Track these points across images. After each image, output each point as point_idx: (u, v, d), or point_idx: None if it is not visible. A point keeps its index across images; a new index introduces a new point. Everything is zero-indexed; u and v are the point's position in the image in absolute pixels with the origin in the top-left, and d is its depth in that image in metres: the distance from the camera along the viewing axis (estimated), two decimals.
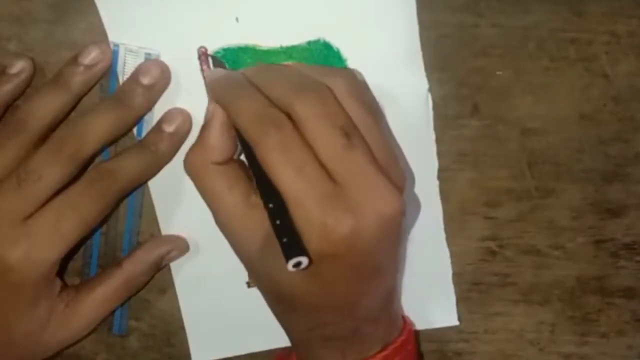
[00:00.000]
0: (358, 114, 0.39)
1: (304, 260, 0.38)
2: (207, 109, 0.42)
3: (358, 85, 0.41)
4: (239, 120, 0.39)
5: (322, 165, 0.38)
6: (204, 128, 0.42)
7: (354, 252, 0.39)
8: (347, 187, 0.38)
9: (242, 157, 0.43)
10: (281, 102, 0.39)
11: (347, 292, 0.41)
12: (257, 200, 0.41)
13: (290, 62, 0.45)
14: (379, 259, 0.41)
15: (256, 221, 0.41)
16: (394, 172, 0.40)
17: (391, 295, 0.45)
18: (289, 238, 0.38)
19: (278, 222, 0.38)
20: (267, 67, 0.43)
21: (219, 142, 0.42)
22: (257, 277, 0.44)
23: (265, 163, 0.38)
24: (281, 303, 0.43)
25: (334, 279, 0.40)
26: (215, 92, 0.42)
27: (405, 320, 0.47)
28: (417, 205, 0.48)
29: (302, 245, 0.38)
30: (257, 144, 0.38)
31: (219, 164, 0.42)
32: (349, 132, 0.38)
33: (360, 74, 0.45)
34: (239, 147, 0.43)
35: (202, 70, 0.46)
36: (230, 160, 0.42)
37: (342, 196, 0.38)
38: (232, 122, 0.41)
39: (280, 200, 0.38)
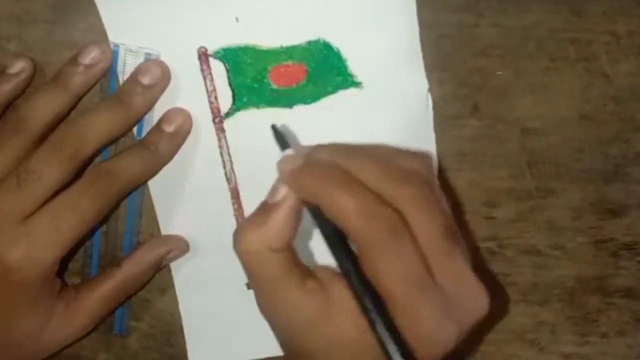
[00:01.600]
0: (444, 201, 0.38)
1: None
2: (276, 190, 0.38)
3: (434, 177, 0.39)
4: (343, 218, 0.36)
5: (431, 272, 0.36)
6: (269, 210, 0.38)
7: (447, 354, 0.37)
8: (450, 292, 0.36)
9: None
10: (382, 194, 0.36)
11: None
12: (313, 285, 0.37)
13: (373, 144, 0.41)
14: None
15: (313, 310, 0.37)
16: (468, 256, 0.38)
17: None
18: (401, 352, 0.35)
19: (388, 331, 0.35)
20: (353, 149, 0.39)
21: (283, 231, 0.37)
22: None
23: (379, 272, 0.35)
24: None
25: None
26: (304, 183, 0.37)
27: None
28: None
29: (408, 348, 0.35)
30: (370, 248, 0.35)
31: (277, 251, 0.37)
32: (453, 230, 0.37)
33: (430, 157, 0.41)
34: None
35: (202, 70, 0.46)
36: (288, 248, 0.38)
37: (448, 304, 0.36)
38: (330, 218, 0.37)
39: (379, 303, 0.36)
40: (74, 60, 0.44)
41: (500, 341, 0.51)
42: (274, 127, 0.41)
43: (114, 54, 0.45)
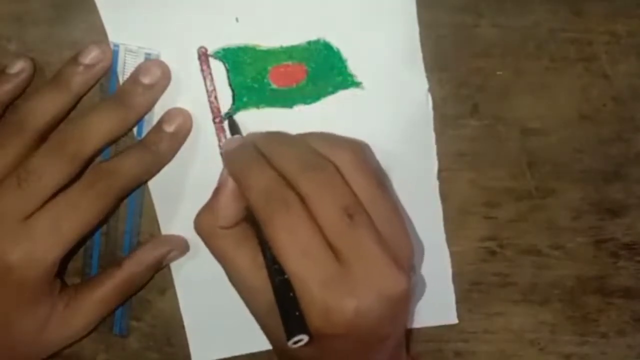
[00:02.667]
0: (364, 188, 0.40)
1: (304, 338, 0.38)
2: (222, 174, 0.43)
3: (364, 158, 0.42)
4: (249, 196, 0.40)
5: (328, 245, 0.39)
6: (216, 193, 0.43)
7: (357, 331, 0.39)
8: (350, 267, 0.38)
9: None
10: (289, 178, 0.40)
11: (354, 358, 0.41)
12: (262, 261, 0.42)
13: (304, 133, 0.44)
14: (385, 330, 0.41)
15: (263, 282, 0.41)
16: (401, 246, 0.41)
17: (399, 348, 0.45)
18: (290, 316, 0.39)
19: (281, 298, 0.39)
20: (277, 137, 0.44)
21: (228, 210, 0.42)
22: (266, 333, 0.44)
23: (273, 242, 0.39)
24: (285, 358, 0.44)
25: (338, 352, 0.40)
26: (229, 164, 0.43)
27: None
28: (417, 205, 0.48)
29: (304, 323, 0.38)
30: (265, 222, 0.39)
31: (227, 228, 0.43)
32: (353, 211, 0.39)
33: (367, 145, 0.46)
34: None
35: (202, 70, 0.46)
36: (239, 223, 0.43)
37: (346, 277, 0.38)
38: (243, 192, 0.41)
39: (284, 275, 0.39)
40: (74, 60, 0.44)
41: (500, 341, 0.51)
42: (230, 118, 0.46)
43: (114, 54, 0.45)
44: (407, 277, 0.40)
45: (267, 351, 0.49)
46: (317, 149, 0.41)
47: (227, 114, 0.46)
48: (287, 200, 0.39)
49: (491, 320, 0.50)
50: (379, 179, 0.42)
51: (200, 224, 0.43)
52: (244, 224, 0.43)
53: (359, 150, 0.42)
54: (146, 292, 0.49)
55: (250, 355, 0.50)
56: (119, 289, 0.46)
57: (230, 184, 0.42)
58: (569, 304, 0.50)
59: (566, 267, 0.50)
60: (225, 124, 0.46)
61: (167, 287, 0.49)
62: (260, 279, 0.41)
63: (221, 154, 0.46)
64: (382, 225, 0.40)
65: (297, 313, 0.39)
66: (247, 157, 0.42)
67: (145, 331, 0.50)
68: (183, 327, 0.49)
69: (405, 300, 0.40)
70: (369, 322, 0.39)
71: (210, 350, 0.50)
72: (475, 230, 0.49)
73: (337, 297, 0.38)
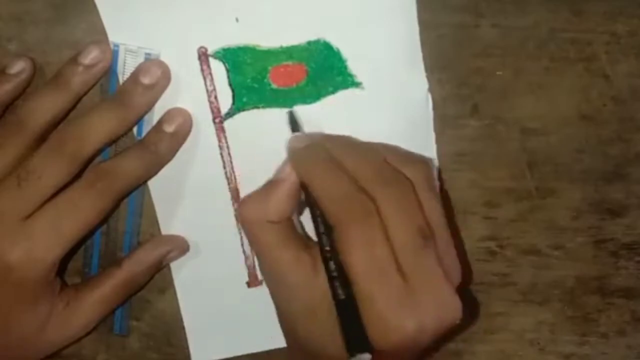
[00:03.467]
0: (432, 209, 0.40)
1: (367, 357, 0.38)
2: (281, 168, 0.42)
3: (434, 177, 0.42)
4: (324, 200, 0.40)
5: (397, 263, 0.38)
6: (272, 186, 0.42)
7: (408, 351, 0.39)
8: (415, 288, 0.38)
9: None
10: (367, 189, 0.39)
11: None
12: (306, 258, 0.41)
13: (374, 143, 0.44)
14: (431, 346, 0.41)
15: (303, 280, 0.41)
16: (454, 269, 0.41)
17: None
18: (355, 332, 0.38)
19: (345, 312, 0.39)
20: (352, 143, 0.43)
21: (283, 205, 0.42)
22: (291, 331, 0.43)
23: (347, 252, 0.38)
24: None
25: None
26: (297, 163, 0.42)
27: None
28: None
29: (367, 340, 0.38)
30: (342, 231, 0.39)
31: (274, 223, 0.42)
32: (426, 233, 0.39)
33: (433, 163, 0.45)
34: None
35: (202, 70, 0.46)
36: (287, 220, 0.42)
37: (411, 297, 0.38)
38: (314, 198, 0.41)
39: (349, 288, 0.39)
40: (74, 61, 0.44)
41: (500, 341, 0.51)
42: (290, 113, 0.45)
43: (114, 54, 0.45)
44: (461, 305, 0.40)
45: (267, 351, 0.49)
46: (391, 161, 0.41)
47: (226, 114, 0.46)
48: (367, 210, 0.39)
49: (491, 320, 0.50)
50: (440, 200, 0.42)
51: (249, 214, 0.42)
52: (290, 221, 0.42)
53: (430, 166, 0.42)
54: (146, 292, 0.49)
55: (250, 355, 0.50)
56: (119, 288, 0.46)
57: (291, 180, 0.41)
58: (569, 304, 0.50)
59: (566, 267, 0.50)
60: (226, 123, 0.46)
61: (167, 287, 0.49)
62: (303, 278, 0.41)
63: (286, 145, 0.44)
64: (443, 247, 0.40)
65: (362, 329, 0.38)
66: (320, 159, 0.41)
67: (145, 331, 0.50)
68: (183, 327, 0.49)
69: (452, 327, 0.40)
70: (423, 343, 0.39)
71: (210, 351, 0.50)
72: (475, 230, 0.49)
73: (402, 317, 0.38)
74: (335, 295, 0.39)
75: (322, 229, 0.41)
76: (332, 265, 0.40)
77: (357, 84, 0.46)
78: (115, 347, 0.50)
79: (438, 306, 0.39)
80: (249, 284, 0.49)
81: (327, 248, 0.40)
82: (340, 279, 0.39)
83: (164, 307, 0.49)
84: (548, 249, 0.50)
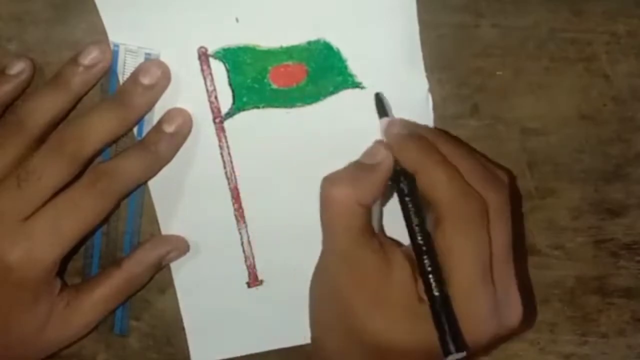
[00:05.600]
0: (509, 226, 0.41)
1: (461, 356, 0.38)
2: (375, 152, 0.42)
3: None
4: (437, 189, 0.40)
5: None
6: (367, 169, 0.42)
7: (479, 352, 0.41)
8: (499, 296, 0.40)
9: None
10: (473, 185, 0.40)
11: None
12: (377, 246, 0.41)
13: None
14: None
15: (377, 268, 0.41)
16: None
17: None
18: (451, 331, 0.39)
19: (443, 311, 0.39)
20: (455, 141, 0.44)
21: (375, 190, 0.41)
22: (349, 318, 0.42)
23: (454, 247, 0.39)
24: (362, 351, 0.42)
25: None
26: (406, 152, 0.42)
27: None
28: None
29: (463, 339, 0.39)
30: (453, 222, 0.39)
31: (363, 206, 0.41)
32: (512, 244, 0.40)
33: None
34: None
35: (202, 70, 0.46)
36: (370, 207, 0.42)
37: (498, 307, 0.40)
38: (421, 188, 0.41)
39: (443, 285, 0.39)
40: (73, 61, 0.44)
41: None
42: (377, 96, 0.45)
43: (114, 54, 0.45)
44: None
45: (267, 352, 0.49)
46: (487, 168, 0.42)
47: (226, 114, 0.46)
48: (482, 210, 0.39)
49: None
50: None
51: (338, 193, 0.41)
52: (370, 211, 0.42)
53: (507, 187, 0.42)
54: (146, 292, 0.49)
55: (250, 356, 0.50)
56: (119, 289, 0.46)
57: (388, 164, 0.42)
58: (569, 304, 0.50)
59: (566, 267, 0.50)
60: (226, 123, 0.46)
61: (167, 287, 0.49)
62: (376, 266, 0.41)
63: (385, 130, 0.44)
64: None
65: (456, 328, 0.39)
66: (433, 150, 0.41)
67: (145, 331, 0.50)
68: (183, 327, 0.49)
69: None
70: (490, 347, 0.41)
71: (209, 351, 0.50)
72: None
73: (491, 321, 0.39)
74: (429, 291, 0.39)
75: (416, 222, 0.40)
76: (426, 260, 0.40)
77: (357, 84, 0.46)
78: (115, 347, 0.50)
79: (511, 314, 0.40)
80: (249, 284, 0.49)
81: (421, 241, 0.40)
82: (435, 276, 0.39)
83: (164, 307, 0.49)
84: (548, 249, 0.49)
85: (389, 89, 0.46)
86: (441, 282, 0.39)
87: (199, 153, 0.47)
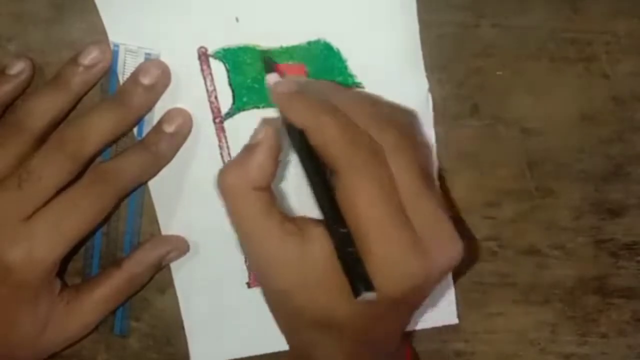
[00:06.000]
0: (424, 155, 0.40)
1: (372, 295, 0.37)
2: (258, 130, 0.40)
3: (420, 128, 0.42)
4: (328, 143, 0.38)
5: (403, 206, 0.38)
6: (251, 150, 0.40)
7: (414, 299, 0.39)
8: (422, 232, 0.37)
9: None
10: (369, 130, 0.38)
11: (386, 330, 0.41)
12: (290, 227, 0.39)
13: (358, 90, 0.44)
14: (424, 300, 0.41)
15: (292, 250, 0.39)
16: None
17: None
18: (359, 272, 0.37)
19: (349, 252, 0.37)
20: (342, 88, 0.42)
21: (266, 169, 0.39)
22: (283, 306, 0.41)
23: (355, 195, 0.37)
24: (311, 331, 0.41)
25: (382, 318, 0.40)
26: (294, 110, 0.40)
27: (406, 344, 0.47)
28: None
29: (369, 279, 0.37)
30: (350, 172, 0.37)
31: (258, 189, 0.39)
32: (427, 174, 0.38)
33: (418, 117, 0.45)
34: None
35: (202, 70, 0.46)
36: (268, 187, 0.40)
37: (420, 243, 0.37)
38: (314, 144, 0.39)
39: (346, 230, 0.37)
40: (73, 61, 0.44)
41: (500, 341, 0.51)
42: (266, 57, 0.44)
43: (114, 54, 0.45)
44: (462, 246, 0.39)
45: (267, 354, 0.49)
46: (384, 108, 0.40)
47: (226, 114, 0.46)
48: (376, 152, 0.37)
49: (491, 320, 0.50)
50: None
51: (230, 182, 0.39)
52: (270, 189, 0.40)
53: (414, 114, 0.41)
54: (146, 292, 0.49)
55: (249, 357, 0.50)
56: (119, 289, 0.46)
57: (271, 140, 0.39)
58: (569, 304, 0.50)
59: (566, 267, 0.50)
60: (226, 123, 0.46)
61: (167, 287, 0.49)
62: (290, 247, 0.39)
63: (272, 90, 0.42)
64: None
65: (360, 269, 0.37)
66: (319, 103, 0.40)
67: (145, 331, 0.50)
68: (183, 327, 0.49)
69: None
70: (429, 288, 0.38)
71: (209, 351, 0.50)
72: (475, 230, 0.49)
73: (415, 261, 0.37)
74: (336, 242, 0.38)
75: (314, 176, 0.39)
76: (330, 211, 0.38)
77: (357, 84, 0.46)
78: (115, 347, 0.50)
79: (444, 250, 0.38)
80: (249, 284, 0.49)
81: (325, 195, 0.39)
82: (334, 222, 0.38)
83: (164, 307, 0.49)
84: (548, 249, 0.50)
85: (389, 89, 0.46)
86: (340, 224, 0.37)
87: (199, 153, 0.47)
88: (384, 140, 0.38)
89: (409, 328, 0.50)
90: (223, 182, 0.39)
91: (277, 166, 0.40)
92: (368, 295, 0.36)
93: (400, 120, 0.40)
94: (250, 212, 0.39)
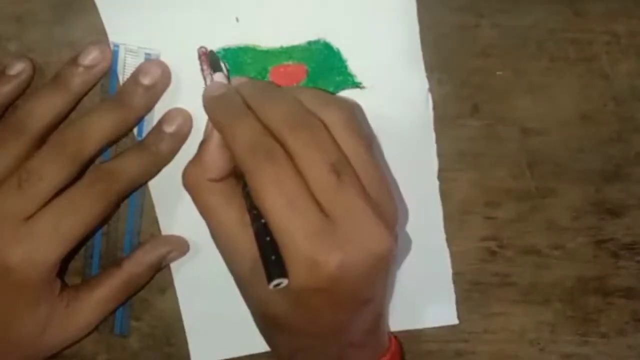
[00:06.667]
0: (352, 147, 0.40)
1: (284, 281, 0.38)
2: (207, 125, 0.43)
3: (353, 117, 0.41)
4: (233, 146, 0.40)
5: (314, 199, 0.38)
6: (202, 144, 0.42)
7: (339, 287, 0.39)
8: (337, 222, 0.38)
9: None
10: (276, 133, 0.39)
11: (331, 321, 0.41)
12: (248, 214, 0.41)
13: (294, 88, 0.45)
14: (366, 292, 0.41)
15: (249, 240, 0.41)
16: (386, 206, 0.40)
17: (379, 320, 0.45)
18: (272, 258, 0.38)
19: (264, 241, 0.39)
20: (264, 89, 0.43)
21: (216, 160, 0.42)
22: (245, 295, 0.44)
23: (257, 193, 0.38)
24: (266, 323, 0.44)
25: (318, 309, 0.40)
26: (211, 112, 0.42)
27: (391, 339, 0.47)
28: (417, 205, 0.48)
29: (283, 266, 0.38)
30: (250, 173, 0.39)
31: (216, 181, 0.42)
32: (340, 169, 0.39)
33: (357, 105, 0.46)
34: None
35: (202, 70, 0.46)
36: (228, 177, 0.42)
37: (332, 232, 0.38)
38: (227, 145, 0.41)
39: (263, 220, 0.39)
40: (73, 61, 0.44)
41: (500, 341, 0.51)
42: (211, 52, 0.45)
43: (114, 54, 0.45)
44: (393, 237, 0.39)
45: (267, 352, 0.49)
46: (306, 105, 0.41)
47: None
48: (274, 153, 0.38)
49: (491, 320, 0.50)
50: (367, 140, 0.41)
51: (188, 177, 0.42)
52: (232, 180, 0.42)
53: (349, 109, 0.41)
54: (146, 292, 0.49)
55: (249, 356, 0.50)
56: (119, 289, 0.46)
57: (217, 133, 0.41)
58: (569, 304, 0.50)
59: (566, 267, 0.50)
60: None
61: (167, 287, 0.49)
62: (246, 237, 0.41)
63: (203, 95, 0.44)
64: (369, 185, 0.40)
65: (275, 257, 0.38)
66: (232, 106, 0.41)
67: (145, 331, 0.50)
68: (183, 327, 0.49)
69: (389, 260, 0.40)
70: (351, 278, 0.39)
71: (209, 351, 0.50)
72: (475, 230, 0.49)
73: (322, 250, 0.38)
74: (255, 233, 0.39)
75: (241, 174, 0.41)
76: (250, 204, 0.40)
77: (357, 84, 0.46)
78: (115, 347, 0.50)
79: (363, 238, 0.38)
80: None
81: (246, 194, 0.40)
82: (258, 215, 0.39)
83: (164, 307, 0.49)
84: (548, 249, 0.50)
85: (389, 89, 0.46)
86: (258, 217, 0.39)
87: None
88: (290, 140, 0.39)
89: (409, 327, 0.50)
90: (184, 178, 0.42)
91: (228, 158, 0.41)
92: (279, 282, 0.38)
93: (327, 117, 0.40)
94: (210, 203, 0.42)
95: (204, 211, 0.42)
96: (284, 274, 0.38)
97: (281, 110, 0.40)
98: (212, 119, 0.42)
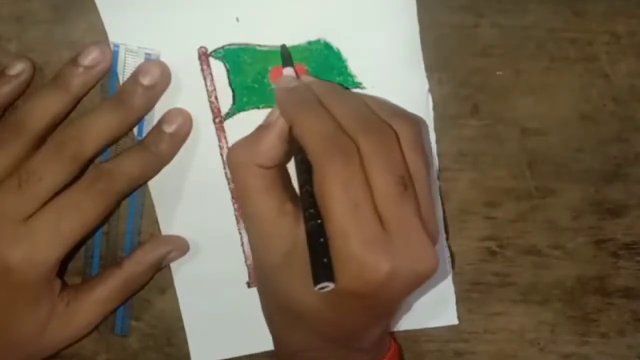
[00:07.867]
0: (415, 164, 0.40)
1: (331, 286, 0.38)
2: (272, 112, 0.43)
3: (420, 133, 0.42)
4: (306, 137, 0.40)
5: (375, 207, 0.39)
6: (262, 129, 0.42)
7: (378, 297, 0.39)
8: (392, 234, 0.38)
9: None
10: (350, 133, 0.39)
11: (354, 326, 0.42)
12: (289, 209, 0.42)
13: (362, 93, 0.45)
14: (397, 305, 0.42)
15: (284, 229, 0.41)
16: (432, 226, 0.41)
17: (388, 328, 0.46)
18: (324, 261, 0.38)
19: (317, 242, 0.39)
20: (336, 88, 0.43)
21: (272, 149, 0.42)
22: (267, 284, 0.44)
23: (323, 189, 0.38)
24: (285, 316, 0.43)
25: (348, 313, 0.41)
26: (284, 103, 0.42)
27: (390, 339, 0.47)
28: None
29: (332, 270, 0.38)
30: (321, 166, 0.39)
31: (262, 167, 0.42)
32: (406, 182, 0.39)
33: (423, 120, 0.46)
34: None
35: (202, 70, 0.46)
36: (274, 168, 0.42)
37: (386, 242, 0.38)
38: (296, 137, 0.41)
39: (320, 221, 0.39)
40: (73, 62, 0.44)
41: (500, 341, 0.51)
42: (283, 47, 0.45)
43: (114, 54, 0.45)
44: (437, 258, 0.40)
45: (267, 352, 0.49)
46: (378, 113, 0.41)
47: (226, 114, 0.46)
48: (348, 151, 0.39)
49: (491, 320, 0.50)
50: (428, 158, 0.42)
51: (236, 156, 0.42)
52: (277, 170, 0.42)
53: (417, 124, 0.42)
54: (146, 292, 0.49)
55: (249, 356, 0.50)
56: (120, 289, 0.46)
57: (281, 123, 0.42)
58: (569, 304, 0.50)
59: (566, 267, 0.50)
60: (226, 123, 0.46)
61: (167, 287, 0.49)
62: (282, 225, 0.41)
63: (275, 85, 0.44)
64: (422, 203, 0.40)
65: (326, 259, 0.38)
66: (306, 100, 0.41)
67: (145, 331, 0.50)
68: (183, 327, 0.49)
69: (427, 280, 0.40)
70: (392, 291, 0.39)
71: (209, 351, 0.50)
72: (475, 230, 0.49)
73: (375, 257, 0.38)
74: (307, 229, 0.39)
75: (301, 169, 0.41)
76: (308, 202, 0.40)
77: (357, 84, 0.46)
78: (115, 347, 0.50)
79: (414, 255, 0.39)
80: (249, 284, 0.49)
81: (306, 187, 0.40)
82: (314, 215, 0.39)
83: (164, 307, 0.49)
84: (548, 249, 0.50)
85: (389, 89, 0.46)
86: (314, 217, 0.39)
87: (199, 153, 0.47)
88: (364, 143, 0.39)
89: (409, 327, 0.50)
90: (230, 157, 0.43)
91: (284, 149, 0.42)
92: (326, 285, 0.38)
93: (386, 125, 0.40)
94: (252, 187, 0.42)
95: (243, 192, 0.42)
96: (332, 277, 0.38)
97: (356, 112, 0.41)
98: (284, 110, 0.42)
